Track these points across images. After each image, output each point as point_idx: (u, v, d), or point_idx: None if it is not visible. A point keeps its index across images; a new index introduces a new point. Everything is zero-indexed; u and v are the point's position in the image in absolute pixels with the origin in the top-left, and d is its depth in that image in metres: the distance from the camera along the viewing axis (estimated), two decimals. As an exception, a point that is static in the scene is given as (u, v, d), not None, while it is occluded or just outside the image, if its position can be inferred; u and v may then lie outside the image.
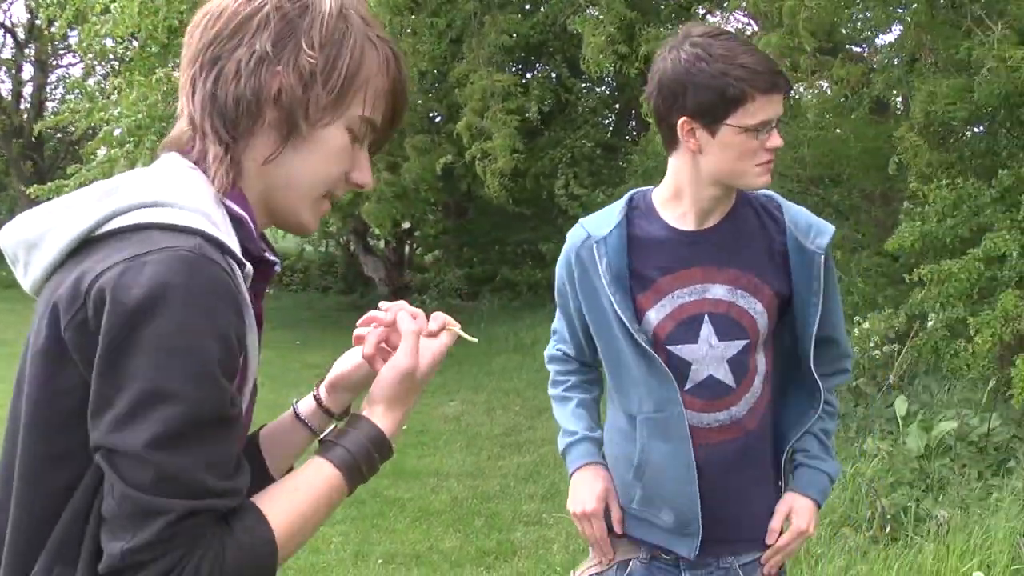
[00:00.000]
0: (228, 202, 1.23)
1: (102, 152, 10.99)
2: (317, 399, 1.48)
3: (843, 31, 8.46)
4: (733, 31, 1.99)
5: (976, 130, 7.21)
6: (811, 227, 2.07)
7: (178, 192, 1.18)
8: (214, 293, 1.10)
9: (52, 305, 1.12)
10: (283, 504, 1.20)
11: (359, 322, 1.44)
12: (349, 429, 1.32)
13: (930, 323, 6.10)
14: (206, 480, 1.08)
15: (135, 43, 10.34)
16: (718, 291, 2.05)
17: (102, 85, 13.15)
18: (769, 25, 6.25)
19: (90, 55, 12.09)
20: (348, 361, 1.47)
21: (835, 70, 6.38)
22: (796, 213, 2.10)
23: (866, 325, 6.68)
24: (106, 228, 1.15)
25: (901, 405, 5.90)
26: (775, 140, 1.94)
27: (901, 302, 6.27)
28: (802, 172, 8.08)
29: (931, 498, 5.00)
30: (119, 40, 11.52)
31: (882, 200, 8.17)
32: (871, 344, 6.99)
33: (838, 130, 7.86)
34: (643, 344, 2.03)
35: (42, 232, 1.20)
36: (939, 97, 5.61)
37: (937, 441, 5.43)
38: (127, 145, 10.43)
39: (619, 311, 2.03)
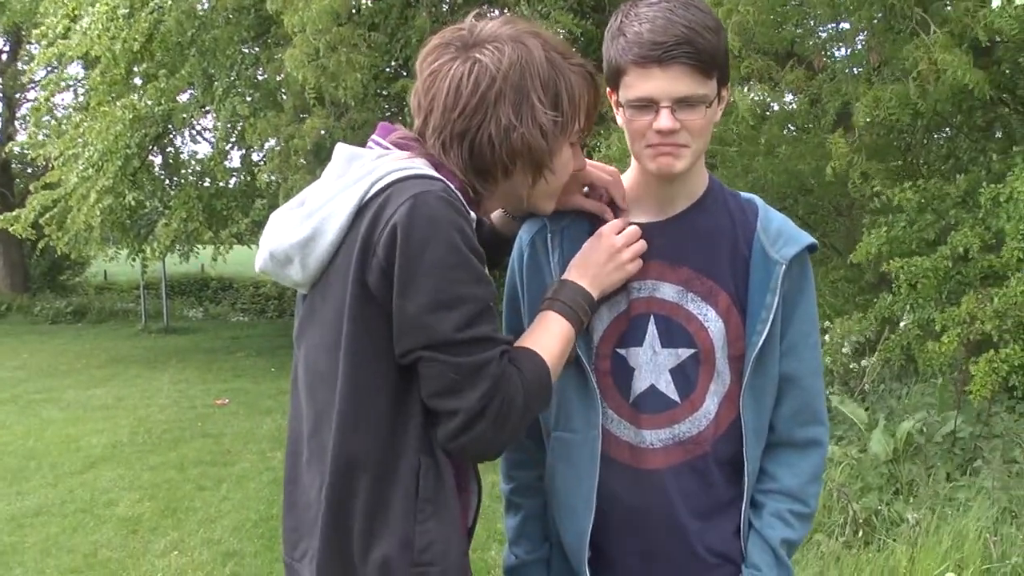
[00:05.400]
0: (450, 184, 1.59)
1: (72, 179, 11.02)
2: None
3: (807, 44, 8.51)
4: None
5: (936, 136, 7.29)
6: (781, 234, 1.83)
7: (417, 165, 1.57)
8: (463, 218, 1.52)
9: (355, 262, 1.51)
10: (543, 344, 1.66)
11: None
12: (561, 290, 1.75)
13: (903, 323, 6.12)
14: (495, 336, 1.56)
15: (97, 71, 10.30)
16: (667, 291, 1.83)
17: (71, 115, 13.14)
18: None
19: (48, 72, 12.08)
20: None
21: (786, 76, 6.38)
22: (771, 219, 1.86)
23: (837, 331, 6.69)
24: (370, 194, 1.53)
25: (861, 413, 5.92)
26: (661, 121, 1.68)
27: (869, 309, 6.28)
28: (763, 194, 8.04)
29: (901, 501, 5.00)
30: (87, 63, 11.50)
31: (848, 210, 8.19)
32: (843, 352, 7.00)
33: (786, 147, 7.83)
34: (576, 350, 1.81)
35: (314, 228, 1.56)
36: (883, 102, 5.63)
37: (904, 443, 5.44)
38: (90, 170, 10.44)
39: None
